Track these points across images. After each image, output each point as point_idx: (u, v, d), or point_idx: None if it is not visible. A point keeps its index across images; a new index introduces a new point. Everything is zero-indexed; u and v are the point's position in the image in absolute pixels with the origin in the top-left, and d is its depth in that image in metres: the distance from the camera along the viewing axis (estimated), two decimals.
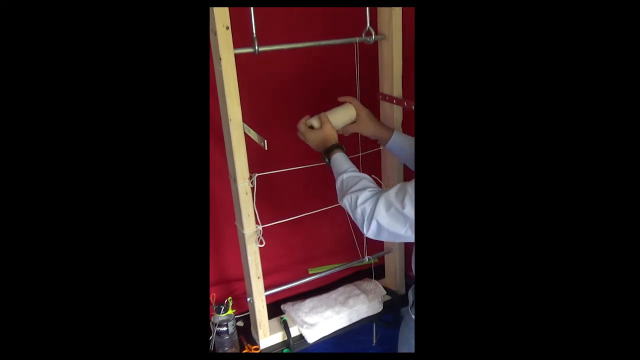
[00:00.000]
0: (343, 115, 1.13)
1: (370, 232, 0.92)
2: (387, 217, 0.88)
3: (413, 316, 1.08)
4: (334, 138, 1.07)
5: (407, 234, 0.88)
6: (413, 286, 1.13)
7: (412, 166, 1.14)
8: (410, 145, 1.14)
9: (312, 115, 1.10)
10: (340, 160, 1.03)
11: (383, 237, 0.93)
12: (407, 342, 1.12)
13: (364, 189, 0.94)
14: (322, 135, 1.07)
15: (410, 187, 0.87)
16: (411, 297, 1.12)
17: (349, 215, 0.97)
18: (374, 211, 0.90)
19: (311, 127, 1.09)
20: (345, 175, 0.99)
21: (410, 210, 0.85)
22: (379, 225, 0.90)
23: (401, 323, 1.19)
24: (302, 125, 1.09)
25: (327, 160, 1.06)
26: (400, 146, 1.15)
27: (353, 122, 1.15)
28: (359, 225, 0.94)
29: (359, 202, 0.93)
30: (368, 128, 1.15)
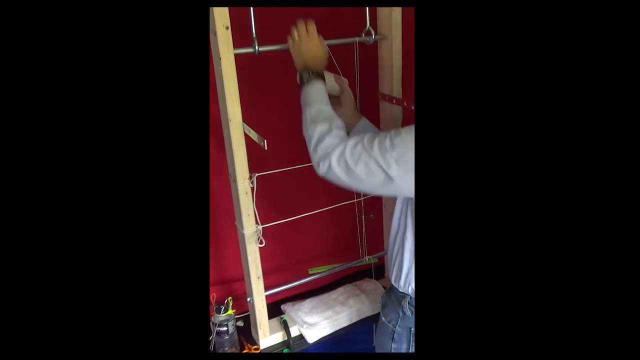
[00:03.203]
0: (332, 81, 1.08)
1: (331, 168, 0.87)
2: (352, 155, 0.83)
3: (383, 318, 1.07)
4: (323, 63, 1.01)
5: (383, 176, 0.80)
6: (384, 291, 1.12)
7: None
8: (373, 130, 1.11)
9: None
10: (324, 93, 0.96)
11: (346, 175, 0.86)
12: (385, 350, 1.08)
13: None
14: (317, 50, 0.99)
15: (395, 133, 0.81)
16: (383, 301, 1.11)
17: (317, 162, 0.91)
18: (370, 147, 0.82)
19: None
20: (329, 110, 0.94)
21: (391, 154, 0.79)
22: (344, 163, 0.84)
23: (376, 330, 1.15)
24: (301, 28, 0.99)
25: (306, 79, 0.98)
26: (364, 130, 1.10)
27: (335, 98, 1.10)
28: (319, 160, 0.89)
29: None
30: (347, 109, 1.11)
